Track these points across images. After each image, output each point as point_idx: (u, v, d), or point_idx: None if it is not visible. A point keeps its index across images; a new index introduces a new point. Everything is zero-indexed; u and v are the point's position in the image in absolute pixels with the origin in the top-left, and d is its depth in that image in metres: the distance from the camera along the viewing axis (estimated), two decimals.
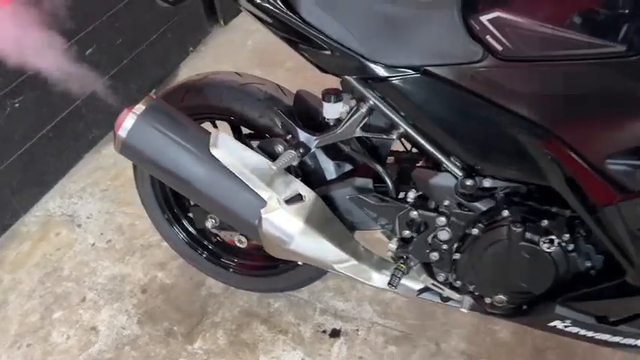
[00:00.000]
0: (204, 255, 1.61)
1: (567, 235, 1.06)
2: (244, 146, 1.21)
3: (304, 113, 1.28)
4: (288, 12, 1.06)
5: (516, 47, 0.95)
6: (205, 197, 1.19)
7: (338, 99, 1.17)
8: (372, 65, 1.07)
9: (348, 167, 1.30)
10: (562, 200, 1.04)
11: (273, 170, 1.18)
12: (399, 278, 1.21)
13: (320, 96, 1.21)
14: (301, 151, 1.18)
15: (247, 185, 1.17)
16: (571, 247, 1.07)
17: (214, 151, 1.16)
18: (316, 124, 1.25)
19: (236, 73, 1.40)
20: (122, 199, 2.08)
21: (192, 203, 1.48)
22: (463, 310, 1.22)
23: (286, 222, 1.16)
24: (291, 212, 1.17)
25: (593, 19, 0.90)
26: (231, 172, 1.17)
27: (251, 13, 1.16)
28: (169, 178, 1.20)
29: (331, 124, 1.21)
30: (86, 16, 2.14)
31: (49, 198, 2.11)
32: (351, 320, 1.62)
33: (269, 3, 1.07)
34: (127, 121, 1.14)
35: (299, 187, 1.20)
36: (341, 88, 1.18)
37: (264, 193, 1.17)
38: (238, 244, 1.42)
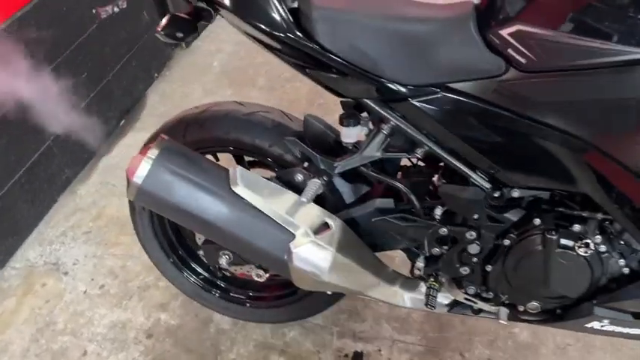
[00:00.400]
0: (217, 294, 1.54)
1: (599, 238, 1.08)
2: (265, 180, 1.17)
3: (316, 138, 1.25)
4: (308, 41, 1.03)
5: (540, 58, 0.96)
6: (229, 236, 1.14)
7: (356, 122, 1.14)
8: (393, 86, 1.05)
9: (364, 189, 1.28)
10: (592, 203, 1.06)
11: (300, 203, 1.14)
12: (435, 297, 1.20)
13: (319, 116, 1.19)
14: (325, 178, 1.15)
15: (273, 220, 1.12)
16: (603, 248, 1.08)
17: (237, 189, 1.11)
18: (329, 148, 1.22)
19: (237, 102, 1.35)
20: (108, 240, 1.98)
21: (201, 242, 1.41)
22: (502, 321, 1.21)
23: (318, 253, 1.13)
24: (321, 243, 1.13)
25: (617, 26, 0.92)
26: (255, 207, 1.12)
27: (256, 38, 1.12)
28: (190, 220, 1.14)
29: (349, 147, 1.18)
30: (49, 53, 2.02)
31: (27, 247, 1.98)
32: (372, 340, 1.59)
33: (283, 32, 1.03)
34: (142, 167, 1.07)
35: (324, 215, 1.17)
36: (342, 109, 1.17)
37: (292, 227, 1.13)
38: (256, 278, 1.37)
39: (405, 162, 1.28)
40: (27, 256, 1.95)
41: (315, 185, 1.13)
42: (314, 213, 1.16)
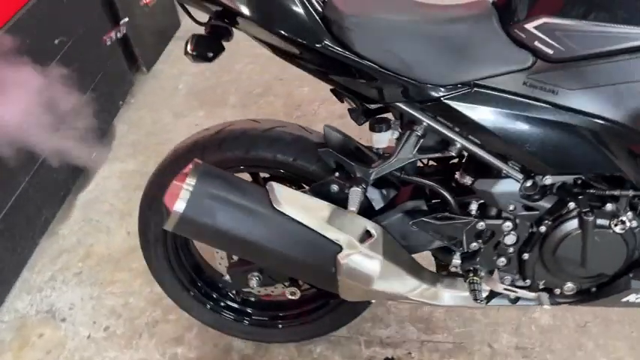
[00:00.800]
0: (247, 321, 1.49)
1: (630, 214, 1.13)
2: (303, 194, 1.15)
3: (339, 148, 1.24)
4: (343, 49, 1.02)
5: (567, 48, 1.00)
6: (275, 255, 1.10)
7: (388, 127, 1.15)
8: (426, 88, 1.06)
9: (391, 193, 1.28)
10: (620, 182, 1.11)
11: (342, 213, 1.12)
12: (480, 291, 1.21)
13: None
14: (363, 186, 1.14)
15: (318, 233, 1.10)
16: (635, 223, 1.13)
17: (279, 206, 1.08)
18: (353, 156, 1.22)
19: (252, 120, 1.32)
20: (103, 279, 1.87)
21: (228, 266, 1.36)
22: (546, 306, 1.24)
23: (366, 262, 1.12)
24: (369, 251, 1.12)
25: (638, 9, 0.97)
26: (299, 222, 1.09)
27: (275, 47, 1.10)
28: (234, 243, 1.09)
29: (381, 152, 1.18)
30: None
31: (14, 298, 1.84)
32: (400, 345, 1.59)
33: (318, 41, 1.02)
34: (183, 195, 1.03)
35: (365, 223, 1.16)
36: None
37: (338, 238, 1.11)
38: (290, 297, 1.34)
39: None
40: (15, 306, 1.81)
41: (357, 194, 1.12)
42: (356, 222, 1.14)
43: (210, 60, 1.12)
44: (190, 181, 1.04)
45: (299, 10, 1.00)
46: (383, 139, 1.16)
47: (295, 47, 1.05)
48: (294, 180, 1.29)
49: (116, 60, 2.56)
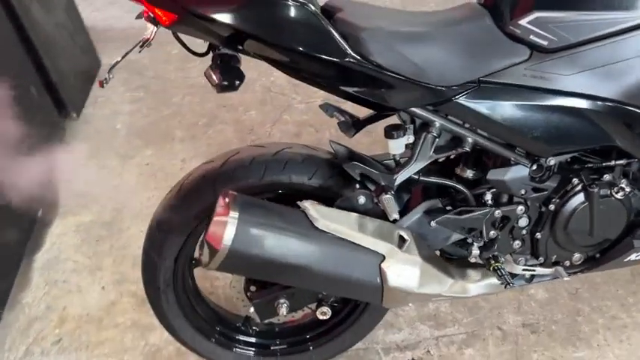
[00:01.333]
0: (278, 352, 1.45)
1: (624, 180, 1.25)
2: (336, 209, 1.14)
3: (350, 160, 1.25)
4: (365, 61, 1.04)
5: (560, 38, 1.10)
6: (322, 275, 1.09)
7: (404, 132, 1.18)
8: (437, 90, 1.11)
9: (405, 197, 1.31)
10: (610, 153, 1.23)
11: (377, 223, 1.14)
12: (507, 275, 1.27)
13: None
14: (392, 192, 1.17)
15: (359, 246, 1.11)
16: (629, 188, 1.25)
17: (321, 225, 1.07)
18: (372, 165, 1.23)
19: (255, 146, 1.30)
20: (88, 341, 1.72)
21: (253, 299, 1.31)
22: (566, 278, 1.33)
23: (408, 267, 1.14)
24: (408, 255, 1.14)
25: None
26: (341, 238, 1.09)
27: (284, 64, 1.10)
28: (282, 270, 1.06)
29: (397, 158, 1.21)
30: None
31: None
32: (417, 345, 1.61)
33: (341, 57, 1.03)
34: (229, 230, 0.99)
35: (397, 229, 1.18)
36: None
37: (379, 247, 1.12)
38: (321, 317, 1.32)
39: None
40: None
41: (391, 201, 1.14)
42: (390, 229, 1.16)
43: (236, 88, 1.09)
44: (234, 214, 1.00)
45: (323, 28, 1.01)
46: (400, 145, 1.19)
47: (316, 64, 1.05)
48: (312, 199, 1.28)
49: (43, 108, 2.39)
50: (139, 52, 1.07)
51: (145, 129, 2.61)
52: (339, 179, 1.25)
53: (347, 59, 1.03)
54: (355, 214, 1.16)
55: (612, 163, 1.24)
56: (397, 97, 1.11)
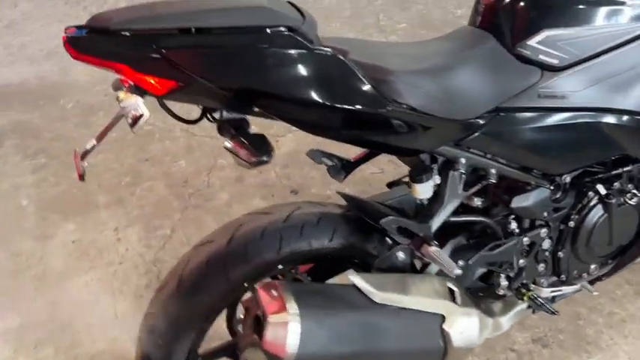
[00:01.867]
0: None
1: (631, 185, 1.26)
2: (382, 274, 1.01)
3: (365, 210, 1.13)
4: (400, 105, 0.93)
5: (570, 55, 1.08)
6: (385, 354, 0.95)
7: (430, 175, 1.08)
8: (462, 125, 1.04)
9: None
10: (620, 161, 1.23)
11: (426, 279, 1.02)
12: (543, 301, 1.22)
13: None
14: (436, 242, 1.06)
15: (418, 311, 0.98)
16: (638, 191, 1.27)
17: (379, 298, 0.93)
18: (401, 213, 1.13)
19: (259, 213, 1.12)
20: None
21: None
22: (595, 292, 1.31)
23: (468, 321, 1.04)
24: (465, 308, 1.04)
25: (621, 10, 1.09)
26: (400, 309, 0.96)
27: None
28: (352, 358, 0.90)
29: (424, 203, 1.11)
30: None
31: None
32: None
33: (376, 107, 0.91)
34: (293, 330, 0.81)
35: (444, 281, 1.07)
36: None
37: (436, 307, 1.00)
38: None
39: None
40: None
41: (442, 254, 1.03)
42: (439, 283, 1.05)
43: (271, 159, 0.91)
44: (292, 309, 0.83)
45: (357, 77, 0.88)
46: (428, 189, 1.09)
47: (349, 116, 0.92)
48: (337, 263, 1.13)
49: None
50: (134, 132, 0.85)
51: (59, 200, 2.25)
52: (360, 235, 1.11)
53: (384, 108, 0.91)
54: (403, 276, 1.04)
55: (620, 170, 1.24)
56: (429, 137, 1.01)
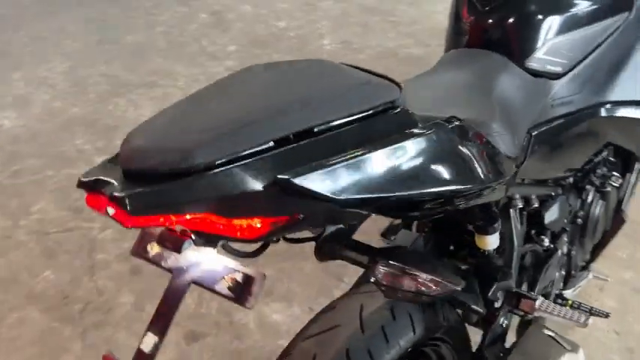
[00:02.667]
0: None
1: (605, 168, 1.27)
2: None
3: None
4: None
5: (570, 59, 1.03)
6: None
7: (498, 222, 0.92)
8: (518, 158, 0.91)
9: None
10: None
11: (542, 336, 0.87)
12: (582, 304, 1.17)
13: None
14: (533, 294, 0.90)
15: None
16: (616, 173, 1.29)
17: None
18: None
19: (324, 330, 0.83)
20: None
21: None
22: (609, 279, 1.30)
23: (577, 356, 0.91)
24: (574, 354, 0.91)
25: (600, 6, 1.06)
26: None
27: None
28: None
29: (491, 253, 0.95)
30: None
31: None
32: None
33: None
34: None
35: (541, 331, 0.93)
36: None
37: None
38: None
39: None
40: None
41: (557, 305, 0.87)
42: (541, 335, 0.91)
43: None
44: None
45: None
46: (496, 237, 0.92)
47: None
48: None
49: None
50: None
51: None
52: (435, 311, 0.90)
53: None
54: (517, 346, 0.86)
55: (600, 157, 1.24)
56: (508, 183, 0.85)
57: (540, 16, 0.99)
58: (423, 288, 0.66)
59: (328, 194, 0.53)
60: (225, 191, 0.50)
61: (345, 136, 0.58)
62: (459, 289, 0.67)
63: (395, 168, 0.59)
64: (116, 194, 0.49)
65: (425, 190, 0.61)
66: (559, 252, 1.13)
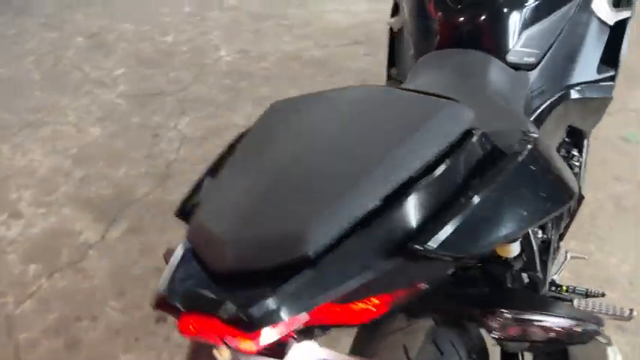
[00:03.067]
0: None
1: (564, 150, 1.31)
2: None
3: None
4: None
5: (541, 48, 1.03)
6: None
7: None
8: None
9: None
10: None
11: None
12: (580, 288, 1.18)
13: None
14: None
15: None
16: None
17: None
18: None
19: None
20: None
21: None
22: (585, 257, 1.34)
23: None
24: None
25: None
26: None
27: None
28: None
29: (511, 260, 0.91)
30: None
31: None
32: None
33: None
34: None
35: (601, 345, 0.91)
36: None
37: None
38: None
39: None
40: None
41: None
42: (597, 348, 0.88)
43: None
44: None
45: None
46: (517, 245, 0.88)
47: None
48: None
49: None
50: None
51: None
52: (469, 332, 0.85)
53: None
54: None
55: (560, 139, 1.26)
56: None
57: (512, 9, 0.97)
58: (555, 334, 0.59)
59: (466, 252, 0.45)
60: (352, 273, 0.40)
61: (446, 177, 0.50)
62: (602, 328, 0.61)
63: (511, 198, 0.52)
64: (239, 314, 0.36)
65: (547, 213, 0.55)
66: (552, 241, 1.13)
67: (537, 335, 0.62)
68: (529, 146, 0.58)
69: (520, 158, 0.56)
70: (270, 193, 0.47)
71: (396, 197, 0.45)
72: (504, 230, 0.50)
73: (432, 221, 0.46)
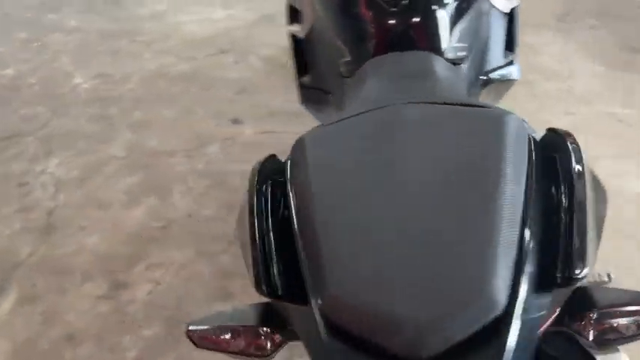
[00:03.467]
0: None
1: None
2: None
3: None
4: None
5: (468, 41, 1.09)
6: None
7: None
8: None
9: None
10: None
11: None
12: None
13: None
14: None
15: None
16: None
17: None
18: None
19: None
20: None
21: None
22: None
23: None
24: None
25: None
26: None
27: None
28: None
29: None
30: None
31: None
32: None
33: None
34: None
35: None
36: None
37: None
38: None
39: None
40: None
41: None
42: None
43: None
44: None
45: None
46: None
47: None
48: None
49: None
50: None
51: None
52: None
53: None
54: None
55: None
56: None
57: (443, 8, 0.99)
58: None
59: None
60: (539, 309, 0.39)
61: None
62: None
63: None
64: None
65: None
66: None
67: (630, 329, 0.60)
68: (574, 145, 0.59)
69: (583, 161, 0.57)
70: (409, 254, 0.42)
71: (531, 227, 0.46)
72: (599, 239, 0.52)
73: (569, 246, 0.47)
